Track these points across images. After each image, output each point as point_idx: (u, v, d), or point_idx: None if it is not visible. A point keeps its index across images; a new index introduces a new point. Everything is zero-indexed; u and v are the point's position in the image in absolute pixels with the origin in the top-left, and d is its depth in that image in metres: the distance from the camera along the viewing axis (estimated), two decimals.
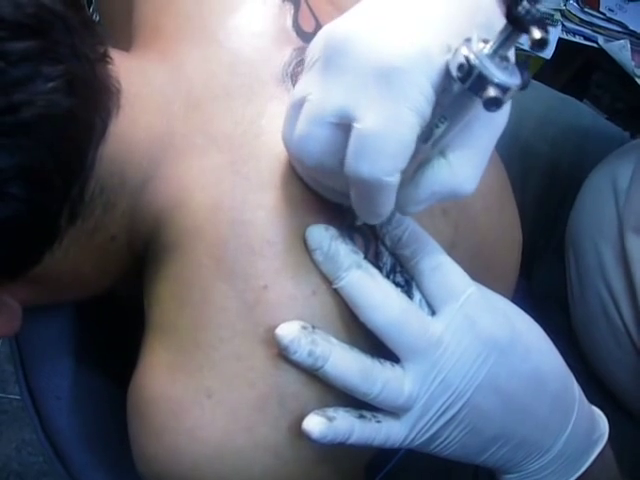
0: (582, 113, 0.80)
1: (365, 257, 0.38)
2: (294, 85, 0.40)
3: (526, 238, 0.58)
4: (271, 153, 0.38)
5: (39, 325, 0.50)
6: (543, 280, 0.76)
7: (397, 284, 0.38)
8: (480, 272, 0.46)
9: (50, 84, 0.29)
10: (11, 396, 1.21)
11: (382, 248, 0.39)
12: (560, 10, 1.15)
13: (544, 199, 0.76)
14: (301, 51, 0.42)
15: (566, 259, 0.71)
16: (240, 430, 0.35)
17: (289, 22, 0.42)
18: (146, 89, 0.38)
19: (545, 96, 0.80)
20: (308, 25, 0.43)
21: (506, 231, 0.53)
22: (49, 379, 0.48)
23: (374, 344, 0.37)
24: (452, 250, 0.43)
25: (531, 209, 0.75)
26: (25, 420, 1.20)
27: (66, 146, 0.31)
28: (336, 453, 0.39)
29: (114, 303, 0.49)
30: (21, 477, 1.17)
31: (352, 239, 0.38)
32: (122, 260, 0.41)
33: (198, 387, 0.36)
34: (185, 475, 0.36)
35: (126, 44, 0.44)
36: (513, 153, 0.74)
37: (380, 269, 0.38)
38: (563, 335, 0.66)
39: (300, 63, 0.41)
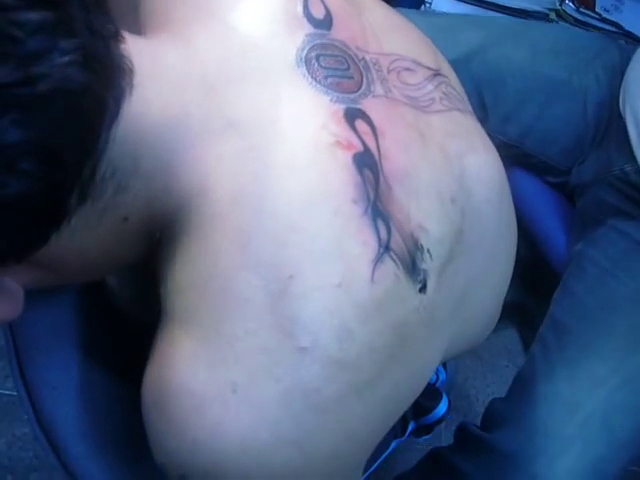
0: (593, 38, 0.88)
1: (388, 244, 0.38)
2: (309, 70, 0.41)
3: (564, 156, 0.69)
4: (290, 139, 0.38)
5: (35, 316, 0.50)
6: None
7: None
8: (486, 261, 0.46)
9: (66, 57, 0.29)
10: (1, 391, 1.20)
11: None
12: (555, 10, 1.15)
13: (572, 120, 0.82)
14: (313, 37, 0.42)
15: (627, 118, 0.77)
16: (264, 425, 0.35)
17: (300, 8, 0.43)
18: (159, 70, 0.38)
19: (551, 30, 0.87)
20: (318, 12, 0.43)
21: (503, 224, 0.53)
22: (44, 369, 0.48)
23: (400, 336, 0.38)
24: (461, 237, 0.44)
25: (561, 133, 0.83)
26: (16, 415, 1.19)
27: (80, 123, 0.31)
28: (354, 446, 0.39)
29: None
30: (11, 472, 1.16)
31: (376, 222, 0.38)
32: (132, 242, 0.40)
33: (222, 381, 0.35)
34: (207, 468, 0.36)
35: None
36: (532, 86, 0.81)
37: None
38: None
39: (313, 49, 0.42)
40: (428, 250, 0.41)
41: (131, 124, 0.35)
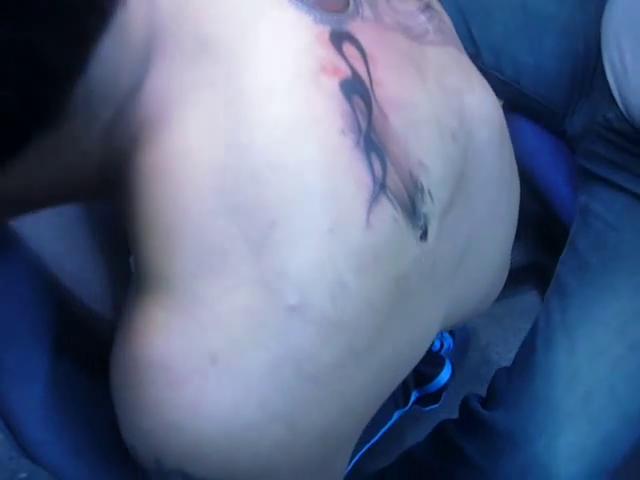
0: None
1: (383, 182, 0.33)
2: None
3: (560, 97, 0.71)
4: (269, 64, 0.33)
5: None
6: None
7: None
8: (489, 211, 0.43)
9: None
10: None
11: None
12: None
13: (564, 57, 0.79)
14: None
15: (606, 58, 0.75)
16: (251, 401, 0.30)
17: None
18: None
19: None
20: None
21: (506, 169, 0.48)
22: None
23: (401, 291, 0.34)
24: (462, 181, 0.39)
25: (554, 70, 0.80)
26: None
27: (75, 31, 0.26)
28: (350, 420, 0.35)
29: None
30: None
31: (369, 156, 0.33)
32: (86, 180, 0.35)
33: (200, 351, 0.30)
34: (186, 451, 0.31)
35: None
36: (520, 20, 0.80)
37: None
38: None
39: None
40: (429, 191, 0.36)
41: (118, 37, 0.29)
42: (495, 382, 0.72)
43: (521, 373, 0.70)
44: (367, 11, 0.39)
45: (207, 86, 0.32)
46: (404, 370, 0.39)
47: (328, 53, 0.34)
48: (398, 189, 0.34)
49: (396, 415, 0.82)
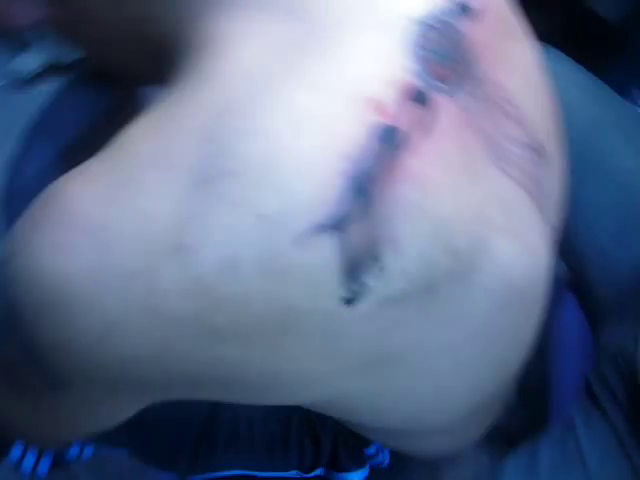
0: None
1: (340, 226, 0.33)
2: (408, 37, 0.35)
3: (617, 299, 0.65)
4: (340, 68, 0.33)
5: None
6: None
7: None
8: (446, 356, 0.41)
9: None
10: None
11: None
12: None
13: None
14: (443, 11, 0.37)
15: None
16: (110, 269, 0.31)
17: None
18: None
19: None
20: None
21: (497, 338, 0.43)
22: None
23: (282, 325, 0.34)
24: (429, 292, 0.37)
25: (622, 262, 0.72)
26: None
27: None
28: (157, 373, 0.35)
29: None
30: None
31: (349, 194, 0.33)
32: (151, 54, 0.39)
33: (109, 200, 0.32)
34: (32, 274, 0.32)
35: None
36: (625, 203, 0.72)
37: None
38: None
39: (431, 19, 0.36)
40: (383, 268, 0.34)
41: None
42: None
43: None
44: (464, 101, 0.38)
45: (274, 42, 0.34)
46: (233, 390, 0.38)
47: (396, 102, 0.34)
48: (346, 244, 0.33)
49: (292, 473, 0.79)
